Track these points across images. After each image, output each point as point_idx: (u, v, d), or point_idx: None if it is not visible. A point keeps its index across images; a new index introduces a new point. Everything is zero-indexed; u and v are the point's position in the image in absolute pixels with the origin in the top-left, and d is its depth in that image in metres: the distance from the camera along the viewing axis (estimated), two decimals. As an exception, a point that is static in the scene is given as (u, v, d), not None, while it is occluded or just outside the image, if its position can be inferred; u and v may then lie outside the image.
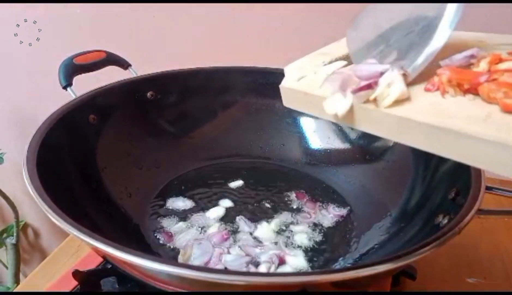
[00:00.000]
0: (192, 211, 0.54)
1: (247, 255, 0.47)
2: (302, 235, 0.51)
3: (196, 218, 0.53)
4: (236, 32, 0.80)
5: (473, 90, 0.27)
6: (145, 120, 0.62)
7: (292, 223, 0.53)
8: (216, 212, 0.54)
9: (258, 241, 0.49)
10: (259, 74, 0.66)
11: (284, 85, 0.35)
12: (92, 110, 0.55)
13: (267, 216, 0.54)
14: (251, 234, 0.50)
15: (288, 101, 0.35)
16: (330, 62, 0.36)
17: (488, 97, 0.25)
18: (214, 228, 0.51)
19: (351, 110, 0.29)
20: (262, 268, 0.45)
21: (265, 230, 0.51)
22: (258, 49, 0.80)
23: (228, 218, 0.53)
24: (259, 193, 0.58)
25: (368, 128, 0.29)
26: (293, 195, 0.58)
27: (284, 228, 0.52)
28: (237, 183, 0.60)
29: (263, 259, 0.46)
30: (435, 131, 0.25)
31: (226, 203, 0.56)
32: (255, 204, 0.56)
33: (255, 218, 0.53)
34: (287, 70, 0.36)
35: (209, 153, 0.65)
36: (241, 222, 0.52)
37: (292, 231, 0.51)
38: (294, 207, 0.56)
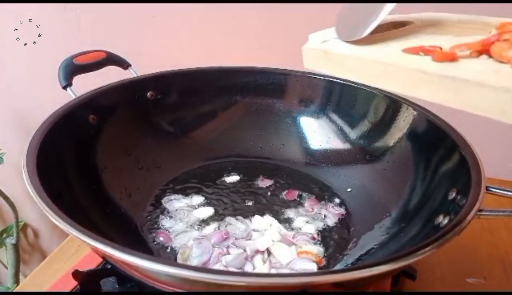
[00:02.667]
0: (191, 211, 0.54)
1: (244, 250, 0.47)
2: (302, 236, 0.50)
3: (195, 217, 0.53)
4: (236, 32, 0.80)
5: (486, 51, 0.29)
6: (145, 120, 0.62)
7: (292, 220, 0.53)
8: (215, 211, 0.54)
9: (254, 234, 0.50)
10: (259, 74, 0.66)
11: (307, 46, 0.39)
12: (92, 110, 0.54)
13: (266, 213, 0.54)
14: (249, 232, 0.50)
15: (308, 62, 0.40)
16: None
17: (500, 56, 0.28)
18: (212, 228, 0.51)
19: (367, 66, 0.32)
20: (258, 260, 0.46)
21: (263, 225, 0.51)
22: (258, 49, 0.80)
23: (228, 217, 0.53)
24: (258, 193, 0.58)
25: (384, 84, 0.32)
26: (283, 193, 0.58)
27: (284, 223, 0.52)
28: (235, 182, 0.60)
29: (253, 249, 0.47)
30: (447, 82, 0.28)
31: (225, 202, 0.56)
32: (255, 203, 0.56)
33: (254, 216, 0.53)
34: (311, 36, 0.40)
35: (209, 153, 0.65)
36: (239, 221, 0.52)
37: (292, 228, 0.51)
38: (293, 206, 0.55)
